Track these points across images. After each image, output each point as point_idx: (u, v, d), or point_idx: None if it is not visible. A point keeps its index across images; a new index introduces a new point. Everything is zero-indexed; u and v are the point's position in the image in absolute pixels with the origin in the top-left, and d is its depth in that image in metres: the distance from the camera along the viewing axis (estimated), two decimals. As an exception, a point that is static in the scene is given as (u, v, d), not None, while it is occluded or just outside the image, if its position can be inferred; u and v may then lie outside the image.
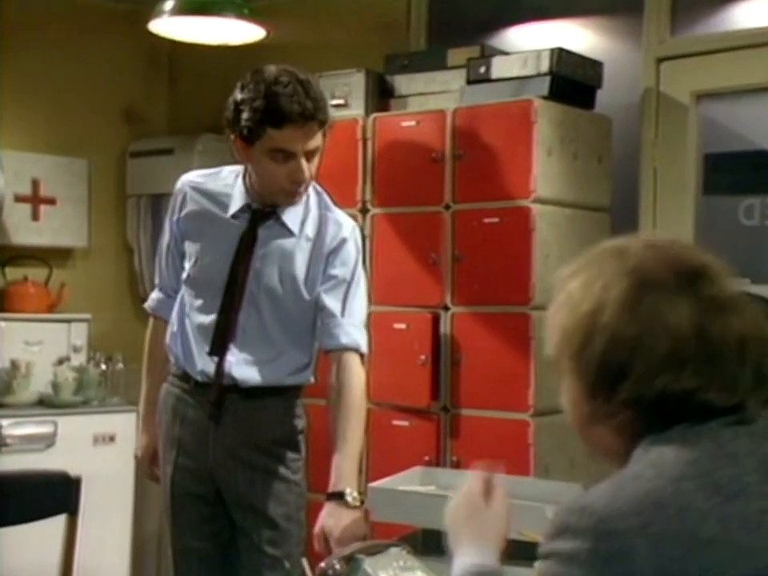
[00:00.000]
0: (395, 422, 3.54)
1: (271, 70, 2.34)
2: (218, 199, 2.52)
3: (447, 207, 3.46)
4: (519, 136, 3.31)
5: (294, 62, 4.68)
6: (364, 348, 2.47)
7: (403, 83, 3.77)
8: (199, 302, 2.53)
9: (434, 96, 3.68)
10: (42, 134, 4.71)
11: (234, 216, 2.49)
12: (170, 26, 3.87)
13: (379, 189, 3.62)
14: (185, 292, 2.59)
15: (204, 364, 2.51)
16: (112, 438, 4.27)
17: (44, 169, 4.63)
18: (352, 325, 2.46)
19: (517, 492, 2.26)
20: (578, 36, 3.83)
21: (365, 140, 3.65)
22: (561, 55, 3.40)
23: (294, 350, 2.52)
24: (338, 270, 2.48)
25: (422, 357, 3.44)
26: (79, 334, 4.51)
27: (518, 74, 3.43)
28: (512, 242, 3.32)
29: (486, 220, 3.36)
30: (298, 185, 2.39)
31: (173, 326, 2.61)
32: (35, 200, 4.63)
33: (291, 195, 2.43)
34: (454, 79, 3.62)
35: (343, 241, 2.49)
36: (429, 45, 4.17)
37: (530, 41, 3.89)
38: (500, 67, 3.48)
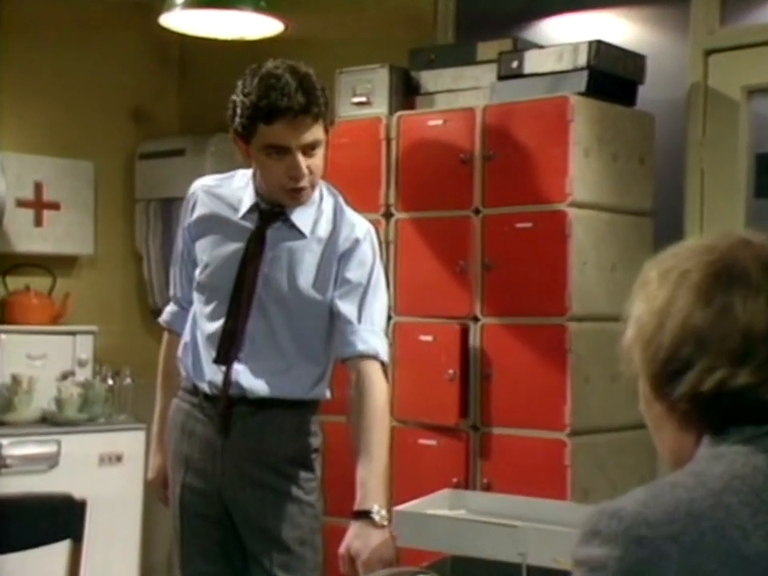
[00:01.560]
0: (421, 441, 3.53)
1: (268, 65, 2.40)
2: (230, 202, 2.56)
3: (476, 211, 3.47)
4: (554, 135, 3.31)
5: (313, 57, 4.70)
6: (384, 356, 2.47)
7: (429, 79, 3.78)
8: (208, 309, 2.56)
9: (462, 93, 3.68)
10: (45, 134, 4.74)
11: (243, 218, 2.53)
12: (181, 19, 3.89)
13: (404, 192, 3.63)
14: (196, 299, 2.62)
15: (212, 374, 2.53)
16: (119, 458, 4.29)
17: (47, 172, 4.66)
18: (369, 331, 2.47)
19: (552, 517, 2.26)
20: (619, 27, 3.82)
21: (388, 140, 3.65)
22: (599, 48, 3.40)
23: (305, 361, 2.53)
24: (352, 274, 2.50)
25: (450, 371, 3.44)
26: (84, 347, 4.53)
27: (553, 69, 3.43)
28: (546, 249, 3.31)
29: (519, 225, 3.36)
30: (296, 181, 2.41)
31: (185, 337, 2.64)
32: (38, 205, 4.65)
33: (292, 193, 2.45)
34: (484, 75, 3.63)
35: (356, 242, 2.51)
36: (457, 38, 4.17)
37: (566, 33, 3.88)
38: (534, 61, 3.48)
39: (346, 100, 3.85)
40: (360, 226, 2.54)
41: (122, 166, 4.96)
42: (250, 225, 2.52)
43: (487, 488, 3.34)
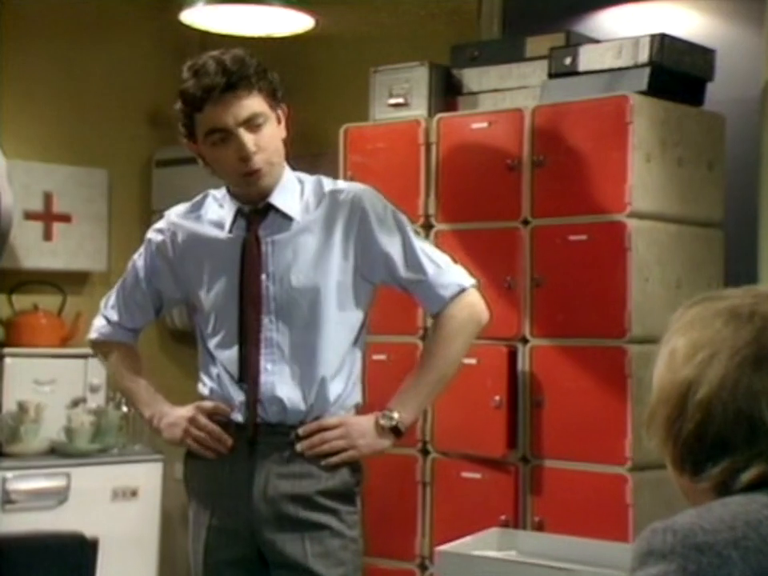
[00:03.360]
0: (465, 475, 3.51)
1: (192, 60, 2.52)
2: (212, 221, 2.62)
3: (525, 222, 3.45)
4: (612, 139, 3.30)
5: (346, 55, 4.71)
6: (467, 281, 2.60)
7: (473, 78, 3.77)
8: (220, 335, 2.59)
9: (509, 93, 3.68)
10: (55, 141, 4.76)
11: (231, 231, 2.58)
12: (203, 15, 3.92)
13: (445, 201, 3.62)
14: (206, 340, 2.63)
15: (240, 397, 2.55)
16: (134, 493, 4.29)
17: (57, 181, 4.68)
18: (442, 274, 2.58)
19: (612, 561, 2.23)
20: (685, 18, 3.80)
21: (428, 145, 3.65)
22: (663, 42, 3.38)
23: (333, 379, 2.55)
24: (384, 242, 2.56)
25: (497, 398, 3.43)
26: (97, 371, 4.50)
27: (610, 66, 3.41)
28: (603, 264, 3.30)
29: (572, 237, 3.35)
30: (247, 161, 2.47)
31: (203, 379, 2.64)
32: (47, 217, 4.67)
33: (249, 178, 2.50)
34: (533, 73, 3.62)
35: (364, 212, 2.56)
36: (503, 32, 4.18)
37: (625, 25, 3.86)
38: (589, 57, 3.46)
39: (382, 101, 3.85)
40: (357, 194, 2.58)
41: (138, 174, 4.99)
42: (239, 234, 2.57)
43: (539, 527, 3.32)
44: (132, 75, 4.93)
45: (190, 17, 3.93)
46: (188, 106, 2.47)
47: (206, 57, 2.48)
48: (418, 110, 3.76)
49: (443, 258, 2.62)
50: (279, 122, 2.54)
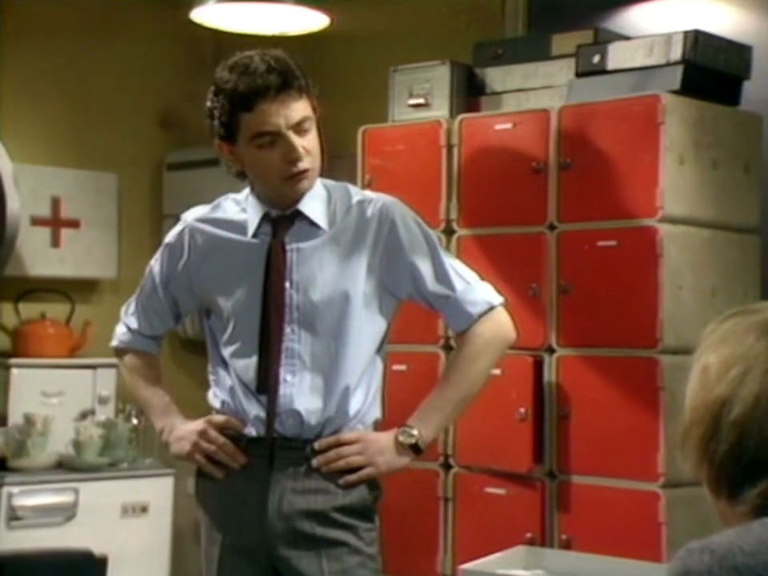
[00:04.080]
0: (488, 490, 3.51)
1: (234, 57, 2.50)
2: (234, 224, 2.61)
3: (551, 227, 3.45)
4: (643, 140, 3.29)
5: (363, 54, 4.71)
6: (496, 299, 2.60)
7: (497, 77, 3.77)
8: (237, 344, 2.58)
9: (534, 92, 3.68)
10: (63, 144, 4.76)
11: (255, 236, 2.57)
12: (215, 14, 3.93)
13: (467, 206, 3.62)
14: (221, 348, 2.62)
15: (256, 410, 2.54)
16: (144, 509, 4.27)
17: (65, 185, 4.68)
18: (470, 290, 2.58)
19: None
20: (720, 14, 3.79)
21: (449, 147, 3.65)
22: (697, 38, 3.37)
23: (354, 392, 2.54)
24: (412, 256, 2.56)
25: (522, 410, 3.43)
26: (106, 382, 4.52)
27: (641, 64, 3.41)
28: (633, 271, 3.29)
29: (601, 243, 3.35)
30: (295, 164, 2.47)
31: (216, 395, 2.64)
32: (55, 223, 4.67)
33: (295, 179, 2.50)
34: (560, 71, 3.62)
35: (393, 224, 2.55)
36: (528, 29, 4.18)
37: (656, 21, 3.85)
38: (618, 55, 3.46)
39: (402, 102, 3.85)
40: (385, 205, 2.57)
41: (149, 177, 5.00)
42: (264, 239, 2.56)
43: (567, 545, 3.31)
44: (142, 75, 4.94)
45: (202, 16, 3.93)
46: (235, 105, 2.44)
47: (247, 56, 2.46)
48: (439, 110, 3.76)
49: (471, 275, 2.62)
50: (319, 127, 2.54)
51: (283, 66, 2.44)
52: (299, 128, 2.45)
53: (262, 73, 2.41)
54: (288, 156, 2.46)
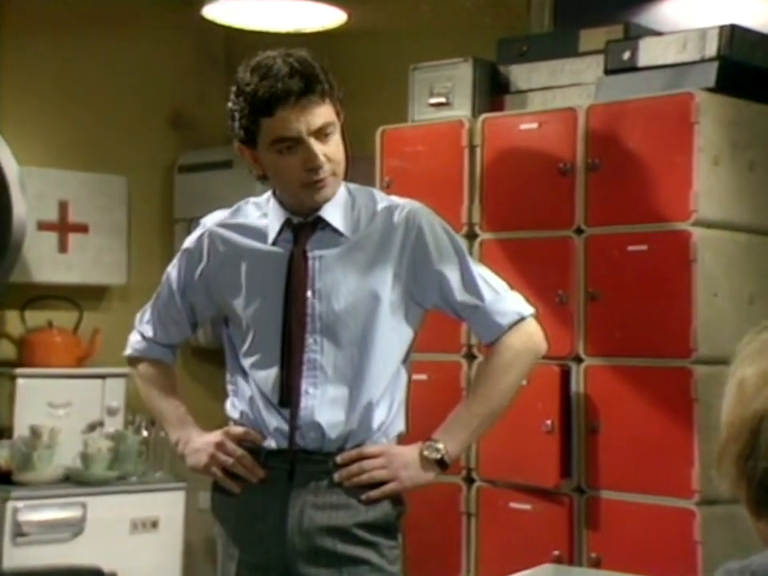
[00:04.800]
0: (513, 506, 3.50)
1: (257, 57, 2.50)
2: (255, 230, 2.61)
3: (579, 231, 3.44)
4: (675, 140, 3.28)
5: (382, 52, 4.69)
6: (526, 311, 2.59)
7: (521, 75, 3.78)
8: (257, 355, 2.57)
9: (561, 90, 3.68)
10: (71, 146, 4.77)
11: (275, 243, 2.57)
12: (227, 10, 3.93)
13: (490, 209, 3.61)
14: (241, 358, 2.62)
15: (277, 422, 2.54)
16: (154, 524, 4.27)
17: (73, 189, 4.68)
18: (500, 300, 2.57)
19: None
20: (757, 8, 3.75)
21: (472, 147, 3.64)
22: (733, 33, 3.36)
23: (378, 404, 2.53)
24: (440, 264, 2.55)
25: (548, 422, 3.42)
26: (115, 392, 4.53)
27: (674, 60, 3.41)
28: (666, 277, 3.28)
29: (631, 248, 3.34)
30: (315, 171, 2.46)
31: (234, 406, 2.63)
32: (63, 227, 4.68)
33: (314, 187, 2.49)
34: (588, 68, 3.62)
35: (420, 231, 2.55)
36: (555, 25, 4.17)
37: (690, 16, 3.82)
38: (650, 51, 3.45)
39: (422, 101, 3.84)
40: (412, 211, 2.57)
41: (159, 180, 5.01)
42: (285, 246, 2.56)
43: (596, 564, 3.30)
44: (152, 74, 4.96)
45: (214, 13, 3.92)
46: (255, 109, 2.43)
47: (270, 57, 2.45)
48: (461, 109, 3.75)
49: (501, 284, 2.61)
50: (342, 131, 2.53)
51: (307, 69, 2.43)
52: (320, 134, 2.44)
53: (283, 76, 2.40)
54: (308, 163, 2.45)
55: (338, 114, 2.49)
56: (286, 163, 2.46)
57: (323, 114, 2.44)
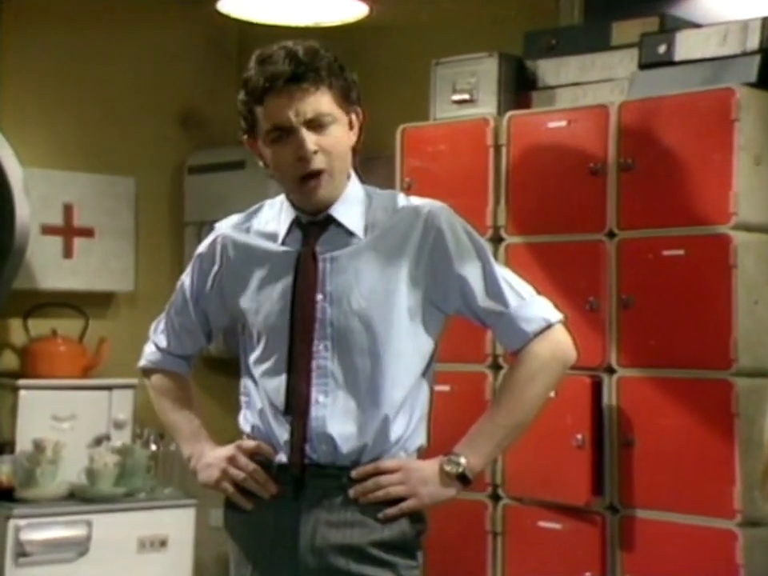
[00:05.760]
0: (542, 524, 3.51)
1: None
2: (267, 232, 2.61)
3: (611, 235, 3.45)
4: (714, 138, 3.28)
5: (404, 46, 4.68)
6: (554, 317, 2.55)
7: (550, 70, 3.78)
8: (270, 362, 2.55)
9: (592, 86, 3.68)
10: (76, 146, 4.76)
11: (284, 243, 2.56)
12: (241, 4, 3.89)
13: (516, 211, 3.62)
14: (252, 367, 2.61)
15: (286, 434, 2.51)
16: (163, 543, 4.28)
17: (79, 191, 4.68)
18: (526, 306, 2.54)
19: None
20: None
21: (497, 147, 3.65)
22: None
23: (396, 417, 2.50)
24: (461, 268, 2.52)
25: (579, 436, 3.42)
26: (122, 405, 4.52)
27: (713, 54, 3.41)
28: (703, 283, 3.28)
29: (666, 252, 3.33)
30: (305, 161, 2.44)
31: (246, 419, 2.62)
32: (67, 231, 4.68)
33: (306, 182, 2.47)
34: (621, 63, 3.62)
35: (439, 232, 2.51)
36: (585, 17, 4.14)
37: (730, 7, 3.78)
38: (688, 45, 3.46)
39: (445, 98, 3.83)
40: (433, 212, 2.53)
41: (169, 182, 5.01)
42: (294, 246, 2.55)
43: None
44: (161, 71, 4.96)
45: (228, 6, 3.91)
46: (251, 98, 2.46)
47: (277, 46, 2.45)
48: (486, 107, 3.76)
49: (527, 289, 2.57)
50: (351, 126, 2.50)
51: (308, 56, 2.42)
52: (314, 123, 2.43)
53: (275, 62, 2.42)
54: (297, 152, 2.44)
55: (342, 107, 2.46)
56: (280, 155, 2.46)
57: (317, 103, 2.42)
